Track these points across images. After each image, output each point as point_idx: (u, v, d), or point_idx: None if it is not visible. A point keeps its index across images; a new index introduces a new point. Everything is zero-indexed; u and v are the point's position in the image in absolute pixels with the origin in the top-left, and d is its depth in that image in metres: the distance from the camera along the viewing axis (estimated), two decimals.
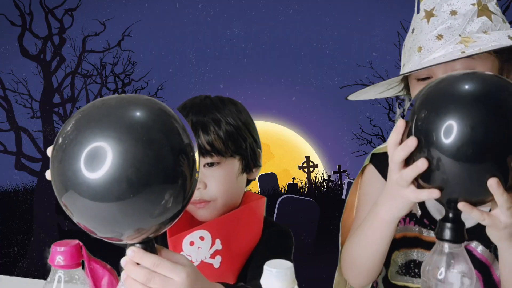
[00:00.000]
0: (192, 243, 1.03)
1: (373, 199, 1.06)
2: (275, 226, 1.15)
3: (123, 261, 0.69)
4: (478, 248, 1.06)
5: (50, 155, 0.68)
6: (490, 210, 0.80)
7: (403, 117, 0.85)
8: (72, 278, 0.73)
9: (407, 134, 0.77)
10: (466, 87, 0.72)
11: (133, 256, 0.69)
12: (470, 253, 1.07)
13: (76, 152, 0.63)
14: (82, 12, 3.50)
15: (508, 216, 0.75)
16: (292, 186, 5.64)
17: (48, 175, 0.70)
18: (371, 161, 1.18)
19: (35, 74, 3.54)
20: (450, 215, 0.76)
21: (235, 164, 1.10)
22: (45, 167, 3.62)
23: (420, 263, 1.09)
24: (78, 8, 3.57)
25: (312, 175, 5.77)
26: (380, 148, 1.20)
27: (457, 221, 0.76)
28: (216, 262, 1.04)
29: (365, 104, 4.30)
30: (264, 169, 4.80)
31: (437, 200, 0.78)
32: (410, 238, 1.11)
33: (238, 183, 1.12)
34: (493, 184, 0.71)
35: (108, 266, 0.77)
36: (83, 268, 0.75)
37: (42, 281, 1.12)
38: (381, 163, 1.15)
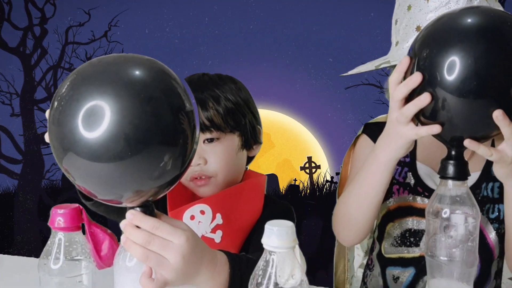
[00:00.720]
0: (192, 217, 1.05)
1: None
2: (277, 202, 1.18)
3: (122, 224, 0.70)
4: None
5: (47, 119, 0.69)
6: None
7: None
8: (72, 241, 0.74)
9: (410, 73, 0.78)
10: (467, 21, 0.73)
11: (132, 219, 0.70)
12: None
13: (73, 112, 0.63)
14: (65, 0, 3.35)
15: None
16: (293, 188, 5.52)
17: (47, 137, 0.71)
18: (363, 132, 1.22)
19: (17, 68, 3.40)
20: (453, 152, 0.78)
21: (234, 140, 1.12)
22: (27, 167, 3.56)
23: (415, 231, 1.12)
24: None
25: (315, 176, 5.50)
26: (372, 120, 1.24)
27: (460, 158, 0.78)
28: (217, 237, 1.06)
29: (368, 104, 4.20)
30: (264, 160, 4.47)
31: (439, 138, 0.79)
32: (404, 208, 1.14)
33: (238, 159, 1.14)
34: (498, 115, 0.72)
35: (109, 231, 0.78)
36: (83, 233, 0.76)
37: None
38: (374, 132, 1.17)
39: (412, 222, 1.13)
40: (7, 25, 3.34)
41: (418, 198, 1.13)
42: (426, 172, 1.14)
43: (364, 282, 1.31)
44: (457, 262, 0.78)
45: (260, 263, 0.65)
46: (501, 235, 1.13)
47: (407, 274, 1.16)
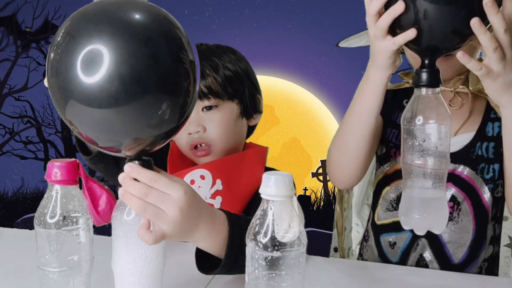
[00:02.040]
0: (192, 182, 1.10)
1: None
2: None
3: (120, 177, 0.73)
4: (465, 171, 1.16)
5: (46, 73, 0.70)
6: None
7: None
8: (69, 195, 0.76)
9: None
10: None
11: (130, 172, 0.72)
12: (458, 177, 1.17)
13: (70, 58, 0.64)
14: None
15: (496, 61, 0.82)
16: (303, 199, 4.56)
17: (46, 82, 0.73)
18: None
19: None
20: (426, 61, 0.85)
21: (233, 107, 1.17)
22: None
23: None
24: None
25: (330, 184, 4.48)
26: None
27: (432, 66, 0.84)
28: (217, 202, 1.10)
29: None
30: (267, 138, 4.20)
31: (414, 47, 0.85)
32: (400, 170, 1.18)
33: (237, 128, 1.19)
34: (475, 23, 0.77)
35: (106, 186, 0.80)
36: (80, 188, 0.79)
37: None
38: None
39: None
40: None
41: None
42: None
43: (360, 254, 1.36)
44: (429, 165, 0.84)
45: (258, 213, 0.68)
46: (496, 197, 1.17)
47: (404, 238, 1.21)
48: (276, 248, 0.65)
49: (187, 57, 0.69)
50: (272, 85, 4.33)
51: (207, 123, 1.14)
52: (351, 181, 1.19)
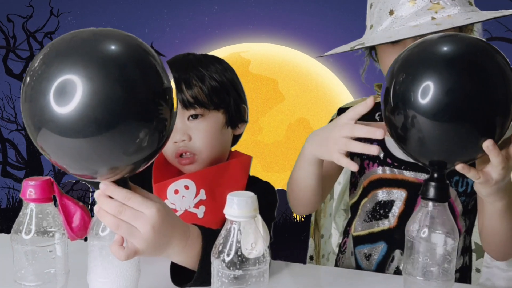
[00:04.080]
0: (176, 192, 1.19)
1: None
2: (259, 182, 1.32)
3: (96, 194, 0.81)
4: None
5: (20, 97, 0.74)
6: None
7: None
8: (44, 212, 0.85)
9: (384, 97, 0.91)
10: (442, 49, 0.84)
11: (105, 189, 0.80)
12: None
13: (44, 87, 0.68)
14: (60, 35, 4.13)
15: (500, 174, 0.91)
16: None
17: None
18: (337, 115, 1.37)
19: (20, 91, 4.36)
20: (435, 175, 0.89)
21: (219, 117, 1.26)
22: (29, 173, 4.39)
23: (384, 202, 1.28)
24: (57, 32, 4.30)
25: None
26: (346, 104, 1.42)
27: (442, 180, 0.89)
28: (200, 212, 1.19)
29: None
30: (269, 119, 3.84)
31: (422, 163, 0.91)
32: (375, 181, 1.31)
33: (223, 137, 1.28)
34: (489, 145, 0.84)
35: (80, 203, 0.89)
36: (55, 205, 0.88)
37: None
38: None
39: (382, 194, 1.29)
40: (12, 56, 4.37)
41: (387, 169, 1.29)
42: (394, 144, 1.27)
43: (336, 265, 1.47)
44: (432, 282, 0.89)
45: (222, 232, 0.76)
46: (467, 209, 1.27)
47: (378, 250, 1.30)
48: (239, 266, 0.74)
49: (163, 85, 0.74)
50: (275, 54, 3.97)
51: (193, 132, 1.23)
52: (307, 211, 1.39)
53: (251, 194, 0.77)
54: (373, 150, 0.99)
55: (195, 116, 1.23)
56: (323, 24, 4.13)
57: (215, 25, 4.16)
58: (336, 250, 1.58)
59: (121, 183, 0.82)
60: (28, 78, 0.72)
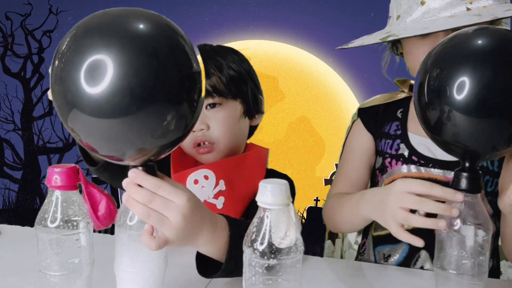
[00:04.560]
0: (196, 182, 1.19)
1: (358, 152, 1.37)
2: (277, 174, 1.32)
3: (125, 182, 0.80)
4: None
5: (50, 79, 0.75)
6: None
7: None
8: (69, 200, 0.84)
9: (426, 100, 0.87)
10: (476, 43, 0.84)
11: (134, 177, 0.79)
12: None
13: (74, 66, 0.68)
14: (59, 34, 4.23)
15: None
16: (313, 213, 4.00)
17: (50, 95, 0.79)
18: (358, 116, 1.41)
19: (18, 90, 4.33)
20: (467, 165, 0.88)
21: (236, 106, 1.27)
22: (27, 174, 4.32)
23: None
24: (56, 30, 4.28)
25: None
26: (366, 103, 1.42)
27: (474, 171, 0.87)
28: (219, 203, 1.19)
29: None
30: (270, 117, 3.83)
31: (453, 153, 0.90)
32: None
33: (240, 126, 1.29)
34: None
35: (106, 192, 0.88)
36: (81, 193, 0.87)
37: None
38: (366, 117, 1.40)
39: None
40: (10, 54, 4.34)
41: (413, 167, 1.28)
42: (419, 141, 1.28)
43: None
44: (466, 276, 0.88)
45: (254, 220, 0.75)
46: (497, 211, 1.23)
47: (399, 250, 1.29)
48: (272, 256, 0.72)
49: (193, 67, 0.74)
50: (276, 52, 3.89)
51: (211, 121, 1.24)
52: (346, 232, 1.42)
53: (284, 181, 0.76)
54: (441, 225, 0.89)
55: (213, 105, 1.24)
56: (323, 22, 4.08)
57: (215, 25, 4.14)
58: (352, 251, 1.56)
59: (149, 171, 0.81)
60: (56, 61, 0.72)
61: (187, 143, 1.25)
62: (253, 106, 1.31)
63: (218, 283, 1.03)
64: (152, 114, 0.70)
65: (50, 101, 4.20)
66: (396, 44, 1.36)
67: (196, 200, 0.84)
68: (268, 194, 0.74)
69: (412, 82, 1.40)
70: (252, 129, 1.38)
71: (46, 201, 0.84)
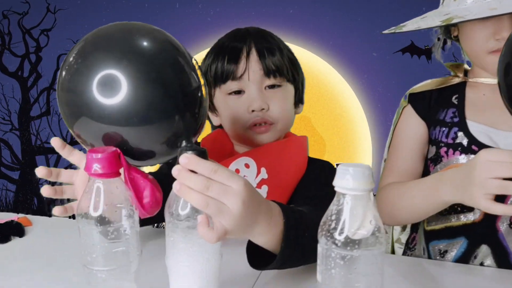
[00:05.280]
0: (237, 171, 1.12)
1: (410, 140, 1.25)
2: (319, 161, 1.24)
3: (176, 170, 0.70)
4: None
5: (57, 87, 0.76)
6: None
7: None
8: (112, 188, 0.73)
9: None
10: None
11: (187, 163, 0.70)
12: None
13: (84, 79, 0.71)
14: (56, 32, 4.20)
15: None
16: None
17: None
18: (409, 102, 1.29)
19: (15, 89, 4.25)
20: None
21: (291, 90, 1.23)
22: (24, 174, 4.23)
23: None
24: (53, 29, 4.20)
25: None
26: (416, 88, 1.31)
27: None
28: (263, 192, 1.11)
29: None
30: None
31: None
32: None
33: (293, 112, 1.25)
34: None
35: (150, 177, 0.77)
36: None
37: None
38: (418, 102, 1.28)
39: None
40: (7, 53, 4.26)
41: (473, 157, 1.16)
42: (479, 129, 1.17)
43: None
44: None
45: (332, 208, 0.65)
46: None
47: (457, 245, 1.18)
48: (354, 246, 0.62)
49: (191, 84, 0.76)
50: None
51: (271, 101, 1.19)
52: (407, 223, 1.28)
53: (366, 165, 0.65)
54: None
55: (272, 86, 1.19)
56: (324, 21, 4.06)
57: (216, 24, 4.08)
58: (397, 247, 1.45)
59: (202, 156, 0.71)
60: (64, 72, 0.75)
61: (242, 123, 1.20)
62: (300, 94, 1.28)
63: (268, 276, 0.96)
64: (161, 125, 0.73)
65: (47, 101, 4.16)
66: (449, 27, 1.25)
67: (251, 185, 0.74)
68: (349, 178, 0.63)
69: (467, 66, 1.30)
70: None
71: (86, 190, 0.73)
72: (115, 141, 0.73)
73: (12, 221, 1.23)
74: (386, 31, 1.23)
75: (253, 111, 1.17)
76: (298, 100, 1.29)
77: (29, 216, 1.32)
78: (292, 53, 1.25)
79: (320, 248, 0.66)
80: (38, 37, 4.23)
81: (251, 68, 1.17)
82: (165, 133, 0.73)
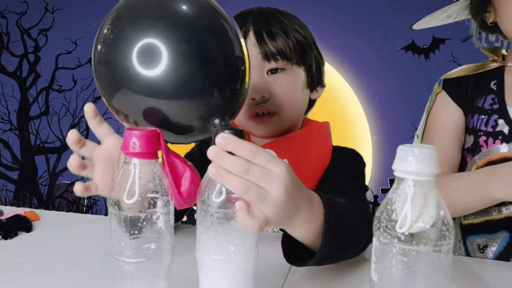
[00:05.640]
0: None
1: (447, 127, 1.16)
2: (345, 149, 1.16)
3: (211, 151, 0.62)
4: None
5: (92, 62, 0.72)
6: None
7: None
8: (149, 171, 0.65)
9: None
10: None
11: (225, 144, 0.62)
12: None
13: (123, 50, 0.67)
14: (55, 32, 4.19)
15: None
16: None
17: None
18: (443, 88, 1.22)
19: (14, 89, 4.23)
20: None
21: (300, 74, 1.11)
22: (23, 174, 4.21)
23: None
24: (52, 28, 4.19)
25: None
26: (451, 74, 1.24)
27: None
28: None
29: (429, 80, 3.69)
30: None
31: None
32: (497, 162, 1.11)
33: (302, 97, 1.13)
34: None
35: (189, 162, 0.70)
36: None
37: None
38: (453, 88, 1.21)
39: None
40: (6, 53, 4.25)
41: None
42: None
43: None
44: None
45: (391, 196, 0.57)
46: None
47: (498, 240, 1.12)
48: (420, 241, 0.54)
49: (237, 51, 0.71)
50: None
51: (273, 88, 1.08)
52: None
53: (432, 146, 0.57)
54: None
55: (274, 71, 1.08)
56: (323, 21, 4.04)
57: None
58: None
59: (239, 135, 0.64)
60: (99, 45, 0.70)
61: (242, 114, 1.10)
62: (316, 76, 1.16)
63: (297, 274, 0.88)
64: (201, 98, 0.68)
65: (46, 100, 4.09)
66: (483, 17, 1.19)
67: (292, 170, 0.67)
68: (412, 160, 0.55)
69: (504, 51, 1.24)
70: (310, 103, 1.22)
71: (121, 171, 0.66)
72: (155, 113, 0.69)
73: (18, 215, 1.16)
74: (416, 26, 1.18)
75: (253, 99, 1.07)
76: (312, 83, 1.16)
77: (36, 210, 1.25)
78: (302, 34, 1.11)
79: (377, 242, 0.58)
80: (36, 36, 4.20)
81: (249, 52, 1.08)
82: (205, 106, 0.68)
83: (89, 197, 3.93)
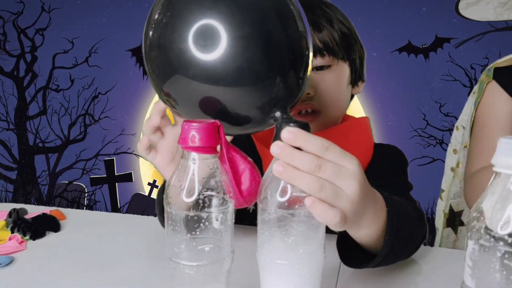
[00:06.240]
0: None
1: (499, 119, 1.09)
2: (387, 146, 1.10)
3: (276, 147, 0.56)
4: None
5: (143, 47, 0.67)
6: None
7: None
8: (209, 167, 0.59)
9: None
10: None
11: (292, 138, 0.56)
12: None
13: (179, 33, 0.61)
14: (52, 31, 4.14)
15: None
16: None
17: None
18: (493, 78, 1.15)
19: (11, 89, 4.19)
20: None
21: (345, 69, 1.05)
22: (22, 174, 4.14)
23: None
24: (48, 28, 4.13)
25: None
26: (501, 62, 1.16)
27: None
28: None
29: (429, 80, 3.60)
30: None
31: None
32: None
33: (346, 95, 1.07)
34: None
35: (249, 158, 0.63)
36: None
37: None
38: (505, 78, 1.13)
39: None
40: (2, 53, 4.18)
41: None
42: None
43: None
44: None
45: (491, 189, 0.49)
46: None
47: None
48: None
49: (299, 31, 0.64)
50: None
51: (318, 85, 1.01)
52: None
53: None
54: None
55: (320, 67, 1.01)
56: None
57: None
58: None
59: (305, 128, 0.58)
60: (151, 31, 0.65)
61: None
62: (359, 71, 1.09)
63: (345, 275, 0.83)
64: (263, 86, 0.62)
65: (43, 100, 4.01)
66: None
67: (361, 166, 0.61)
68: None
69: None
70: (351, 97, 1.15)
71: (179, 167, 0.59)
72: (212, 102, 0.63)
73: (45, 214, 1.09)
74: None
75: None
76: (356, 79, 1.11)
77: (61, 209, 1.19)
78: (346, 26, 1.05)
79: (475, 245, 0.51)
80: (33, 36, 4.13)
81: None
82: (267, 95, 0.62)
83: (89, 197, 3.86)
